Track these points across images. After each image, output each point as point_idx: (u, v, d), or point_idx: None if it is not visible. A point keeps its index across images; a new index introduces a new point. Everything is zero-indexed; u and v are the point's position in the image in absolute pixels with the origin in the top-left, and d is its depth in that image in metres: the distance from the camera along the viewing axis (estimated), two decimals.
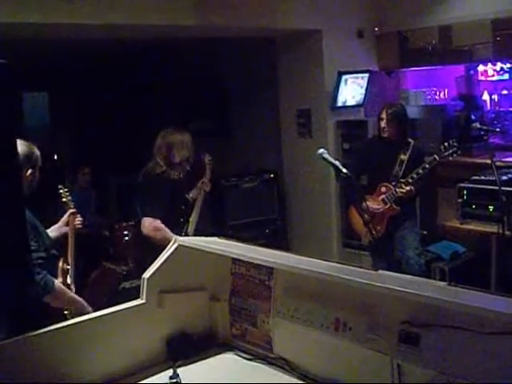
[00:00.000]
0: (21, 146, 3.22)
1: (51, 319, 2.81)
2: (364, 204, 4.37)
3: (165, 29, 5.75)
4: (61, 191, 3.89)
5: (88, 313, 3.26)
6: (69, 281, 3.48)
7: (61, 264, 3.46)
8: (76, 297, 3.34)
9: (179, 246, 2.56)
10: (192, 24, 5.63)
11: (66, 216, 3.78)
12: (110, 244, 6.65)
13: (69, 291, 3.29)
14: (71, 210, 3.80)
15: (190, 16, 5.57)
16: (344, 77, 6.69)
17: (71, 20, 4.88)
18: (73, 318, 3.16)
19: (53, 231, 3.68)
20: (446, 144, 4.90)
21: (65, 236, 3.73)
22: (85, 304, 3.34)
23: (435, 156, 4.92)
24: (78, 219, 3.79)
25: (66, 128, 10.03)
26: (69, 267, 3.53)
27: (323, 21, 6.61)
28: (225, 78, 8.49)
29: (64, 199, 3.87)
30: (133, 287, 5.19)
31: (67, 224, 3.76)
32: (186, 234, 4.47)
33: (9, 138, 1.90)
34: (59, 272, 3.42)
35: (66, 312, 3.33)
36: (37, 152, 3.31)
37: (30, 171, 3.23)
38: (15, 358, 2.13)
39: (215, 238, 2.68)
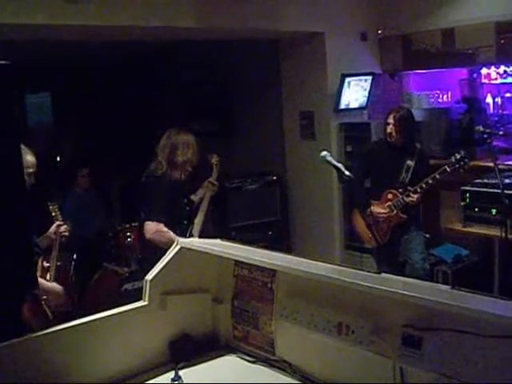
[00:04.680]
0: None
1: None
2: (369, 210, 4.34)
3: (167, 31, 5.75)
4: (50, 207, 4.30)
5: (62, 300, 3.75)
6: (48, 277, 3.90)
7: (40, 262, 3.86)
8: (48, 284, 3.76)
9: (182, 248, 2.56)
10: (195, 26, 5.63)
11: (53, 226, 4.15)
12: (113, 245, 6.65)
13: (42, 280, 3.63)
14: (58, 222, 4.19)
15: (192, 18, 5.57)
16: (347, 79, 6.69)
17: (74, 22, 4.88)
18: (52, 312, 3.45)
19: (43, 239, 4.04)
20: (457, 155, 4.85)
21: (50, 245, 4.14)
22: (57, 292, 3.75)
23: (446, 167, 4.86)
24: (64, 228, 4.18)
25: (69, 129, 10.04)
26: (48, 264, 3.94)
27: (327, 23, 6.61)
28: (228, 79, 8.49)
29: (53, 213, 4.29)
30: (135, 289, 5.19)
31: (55, 233, 4.15)
32: (191, 236, 4.45)
33: (11, 138, 1.90)
34: (39, 269, 3.83)
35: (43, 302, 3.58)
36: (27, 158, 3.36)
37: None
38: (18, 359, 2.13)
39: (218, 240, 2.68)
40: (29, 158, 3.41)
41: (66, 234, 4.21)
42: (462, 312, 1.75)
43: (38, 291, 3.44)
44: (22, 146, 3.33)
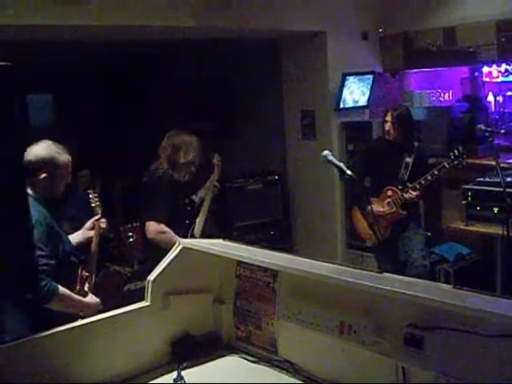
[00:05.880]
0: (42, 148, 3.25)
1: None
2: (369, 207, 4.35)
3: (168, 30, 5.75)
4: (90, 196, 3.82)
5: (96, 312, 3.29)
6: (86, 288, 3.43)
7: (79, 271, 3.43)
8: (84, 300, 3.30)
9: (184, 248, 2.56)
10: (195, 26, 5.63)
11: (90, 221, 3.72)
12: (115, 246, 6.65)
13: (75, 296, 3.24)
14: (97, 216, 3.74)
15: (193, 18, 5.57)
16: (348, 78, 6.68)
17: (75, 22, 4.88)
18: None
19: (75, 237, 3.65)
20: (455, 151, 4.85)
21: (87, 242, 3.68)
22: (93, 307, 3.30)
23: (445, 163, 4.86)
24: (103, 222, 3.74)
25: (71, 130, 10.04)
26: (87, 274, 3.49)
27: (328, 22, 6.60)
28: (229, 78, 8.48)
29: (93, 204, 3.80)
30: (137, 289, 5.18)
31: (91, 229, 3.71)
32: (192, 236, 4.45)
33: (13, 140, 1.90)
34: (78, 279, 3.38)
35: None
36: (58, 157, 3.27)
37: (42, 176, 3.20)
38: (21, 359, 2.13)
39: (220, 240, 2.68)
40: (67, 157, 3.33)
41: (104, 226, 3.75)
42: (465, 312, 1.74)
43: (79, 313, 3.20)
44: (57, 146, 3.30)
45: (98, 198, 3.85)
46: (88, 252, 3.66)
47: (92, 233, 3.69)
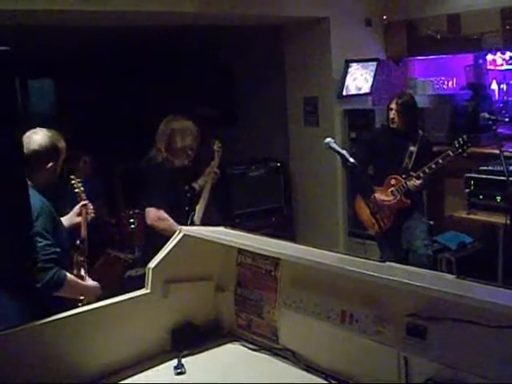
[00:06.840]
0: (43, 137, 3.21)
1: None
2: (372, 196, 4.32)
3: (171, 16, 5.71)
4: (73, 181, 3.77)
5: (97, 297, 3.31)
6: (82, 272, 3.46)
7: (75, 257, 3.46)
8: (88, 285, 3.37)
9: (185, 235, 2.54)
10: (199, 12, 5.59)
11: (77, 207, 3.68)
12: (116, 232, 6.64)
13: (80, 281, 3.29)
14: (83, 202, 3.69)
15: (196, 4, 5.53)
16: (351, 65, 6.65)
17: (76, 7, 4.85)
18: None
19: (64, 221, 3.58)
20: (460, 139, 4.80)
21: (75, 227, 3.65)
22: (95, 291, 3.37)
23: (449, 152, 4.82)
24: (91, 209, 3.71)
25: (72, 115, 10.01)
26: (83, 259, 3.51)
27: (331, 9, 6.55)
28: (232, 65, 8.44)
29: (76, 190, 3.74)
30: (139, 275, 5.18)
31: (79, 214, 3.66)
32: (192, 223, 4.43)
33: (11, 125, 1.88)
34: (75, 265, 3.43)
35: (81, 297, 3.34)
36: (58, 144, 3.26)
37: (49, 164, 3.20)
38: (21, 346, 2.12)
39: (221, 228, 2.67)
40: (63, 143, 3.29)
41: (93, 214, 3.70)
42: (467, 302, 1.73)
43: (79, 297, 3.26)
44: (52, 133, 3.28)
45: (80, 183, 3.80)
46: (78, 237, 3.64)
47: (79, 219, 3.65)
